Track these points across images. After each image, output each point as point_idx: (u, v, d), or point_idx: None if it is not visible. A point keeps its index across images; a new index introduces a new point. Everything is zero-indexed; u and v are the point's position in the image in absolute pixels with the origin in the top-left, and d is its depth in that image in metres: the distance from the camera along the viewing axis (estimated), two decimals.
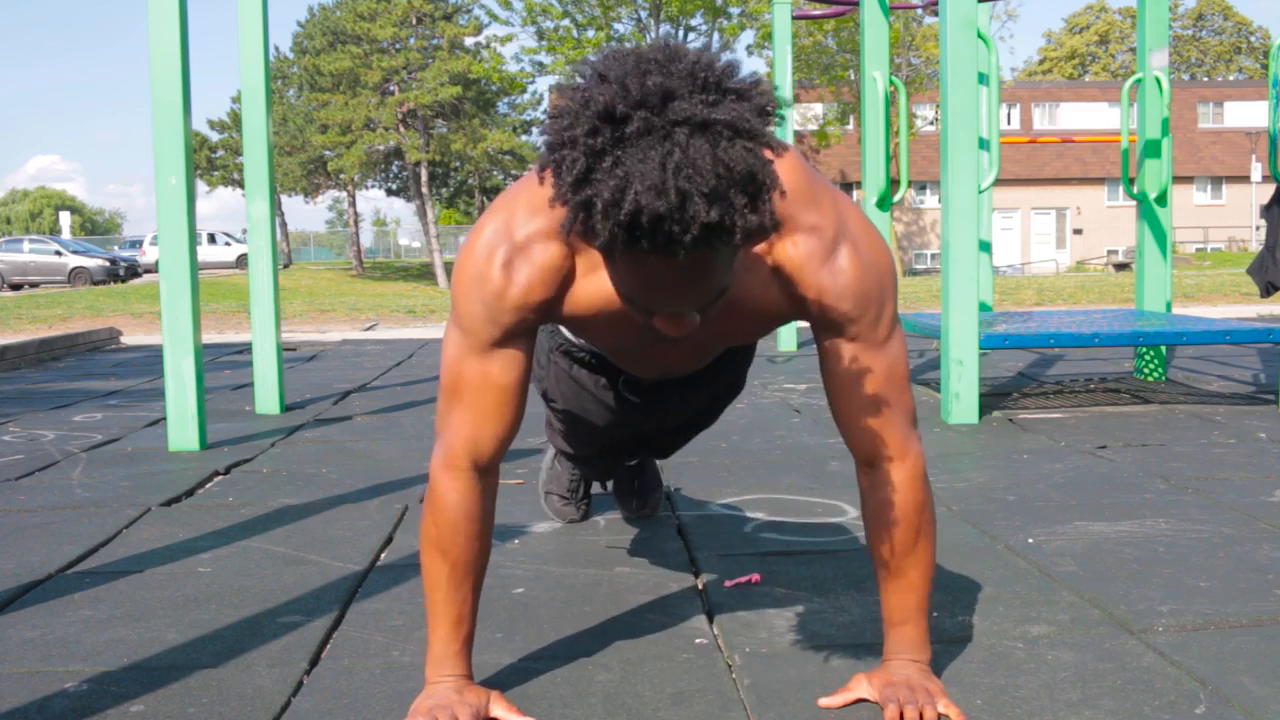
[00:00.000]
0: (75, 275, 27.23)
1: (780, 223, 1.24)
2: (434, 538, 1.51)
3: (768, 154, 1.13)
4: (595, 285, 1.40)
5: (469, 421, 1.46)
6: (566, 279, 1.40)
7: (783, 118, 1.15)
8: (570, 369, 2.02)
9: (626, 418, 2.06)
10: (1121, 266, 29.83)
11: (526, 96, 38.57)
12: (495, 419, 1.46)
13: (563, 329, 1.94)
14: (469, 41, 35.89)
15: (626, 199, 1.07)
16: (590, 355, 1.98)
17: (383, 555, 2.42)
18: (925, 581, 1.56)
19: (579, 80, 1.14)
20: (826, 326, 1.43)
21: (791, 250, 1.37)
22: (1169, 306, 5.09)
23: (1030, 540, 2.42)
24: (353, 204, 42.04)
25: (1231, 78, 48.52)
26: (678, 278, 1.16)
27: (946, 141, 4.01)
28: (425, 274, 37.61)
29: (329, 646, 1.86)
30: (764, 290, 1.41)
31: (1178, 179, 31.97)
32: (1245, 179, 36.42)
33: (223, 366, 6.69)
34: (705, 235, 1.09)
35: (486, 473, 1.51)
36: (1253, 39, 53.50)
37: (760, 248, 1.37)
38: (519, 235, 1.38)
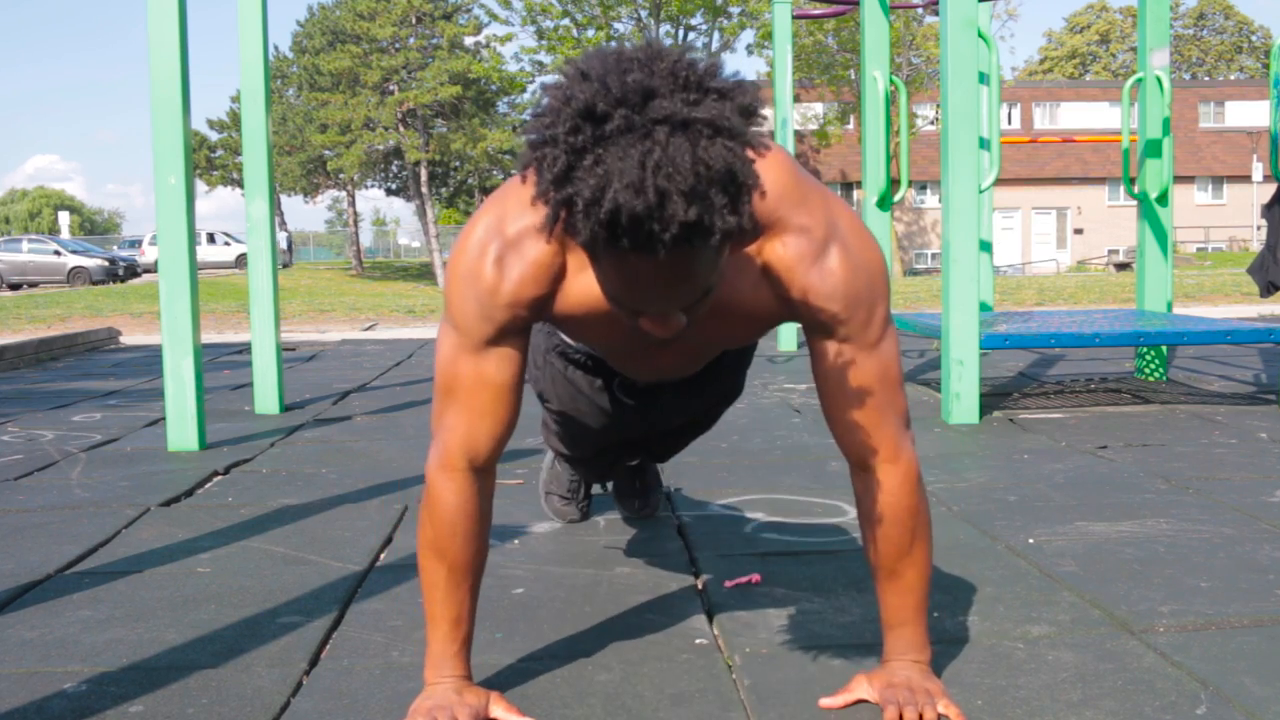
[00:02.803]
0: (74, 275, 27.22)
1: (761, 224, 1.23)
2: (431, 539, 1.50)
3: (750, 153, 1.12)
4: (586, 283, 1.39)
5: (464, 420, 1.45)
6: (558, 275, 1.39)
7: (764, 118, 1.15)
8: (566, 370, 2.01)
9: (622, 420, 2.05)
10: (1122, 266, 29.82)
11: (526, 96, 38.58)
12: (491, 418, 1.46)
13: (559, 331, 1.94)
14: (469, 41, 35.89)
15: (606, 197, 1.07)
16: (586, 357, 1.98)
17: (382, 555, 2.41)
18: (922, 583, 1.55)
19: (562, 79, 1.13)
20: (816, 327, 1.42)
21: (780, 250, 1.36)
22: (1170, 306, 5.09)
23: (1031, 540, 2.42)
24: (352, 204, 42.03)
25: (1233, 77, 48.52)
26: (659, 277, 1.16)
27: (947, 141, 4.01)
28: (425, 274, 37.61)
29: (329, 647, 1.85)
30: (754, 291, 1.40)
31: (1178, 179, 31.97)
32: (1246, 179, 36.42)
33: (222, 366, 6.69)
34: (684, 234, 1.09)
35: (483, 472, 1.50)
36: (1254, 38, 53.50)
37: (750, 248, 1.36)
38: (510, 231, 1.37)
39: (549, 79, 1.14)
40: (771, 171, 1.26)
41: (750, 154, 1.12)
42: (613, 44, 1.16)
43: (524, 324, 1.43)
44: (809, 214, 1.35)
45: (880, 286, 1.41)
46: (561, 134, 1.09)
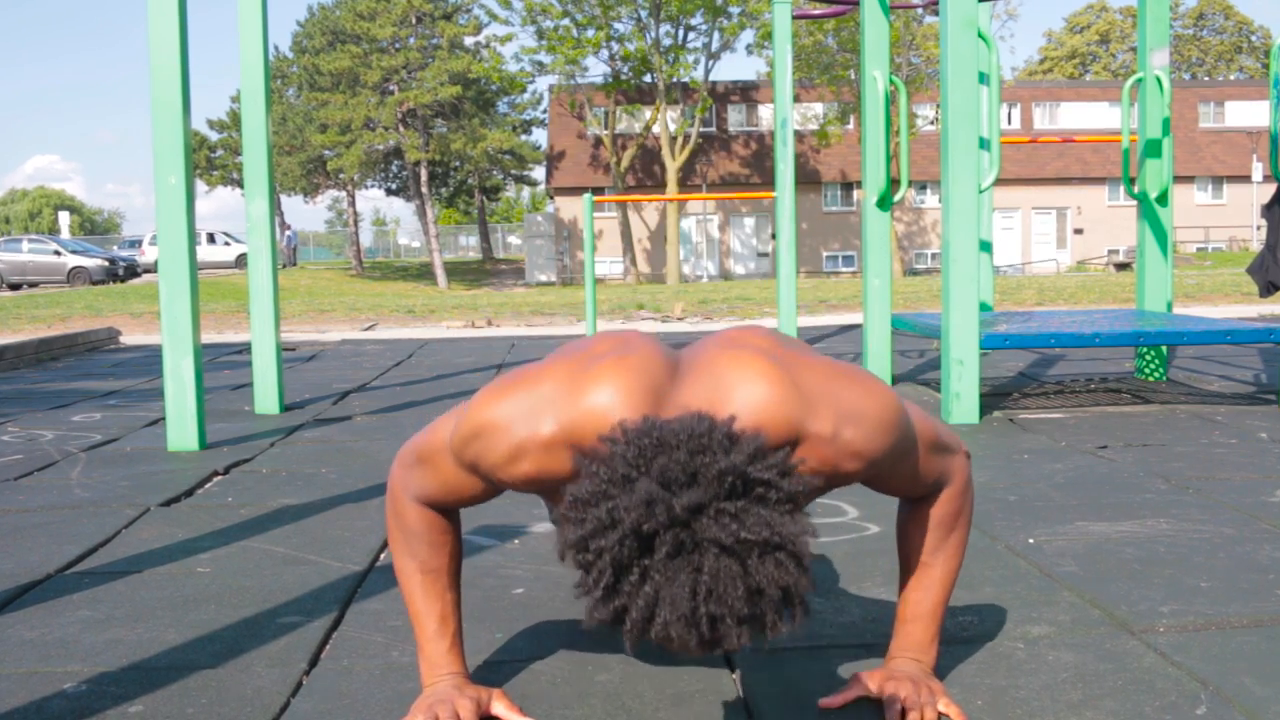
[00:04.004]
0: (74, 275, 27.23)
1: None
2: (401, 541, 1.52)
3: (802, 548, 1.10)
4: None
5: (430, 488, 1.47)
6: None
7: (810, 516, 1.14)
8: None
9: None
10: (1122, 266, 29.83)
11: (526, 96, 38.61)
12: (454, 500, 1.47)
13: None
14: (469, 41, 35.90)
15: (656, 620, 1.08)
16: None
17: (382, 555, 2.41)
18: (947, 581, 1.56)
19: (605, 475, 1.11)
20: (861, 482, 1.45)
21: (809, 463, 1.35)
22: (1170, 306, 5.09)
23: (1031, 540, 2.42)
24: (352, 204, 42.04)
25: (1232, 77, 48.51)
26: (703, 654, 1.18)
27: (947, 141, 4.01)
28: (425, 274, 37.61)
29: (328, 647, 1.85)
30: None
31: (1178, 179, 31.98)
32: (1246, 179, 36.41)
33: (222, 366, 6.69)
34: (736, 648, 1.11)
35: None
36: (1253, 38, 53.49)
37: None
38: (545, 432, 1.30)
39: (590, 460, 1.14)
40: (776, 407, 1.28)
41: (802, 558, 1.10)
42: (654, 430, 1.13)
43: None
44: (817, 417, 1.33)
45: (897, 428, 1.39)
46: (607, 549, 1.08)
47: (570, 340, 1.75)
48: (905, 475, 1.46)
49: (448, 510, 1.51)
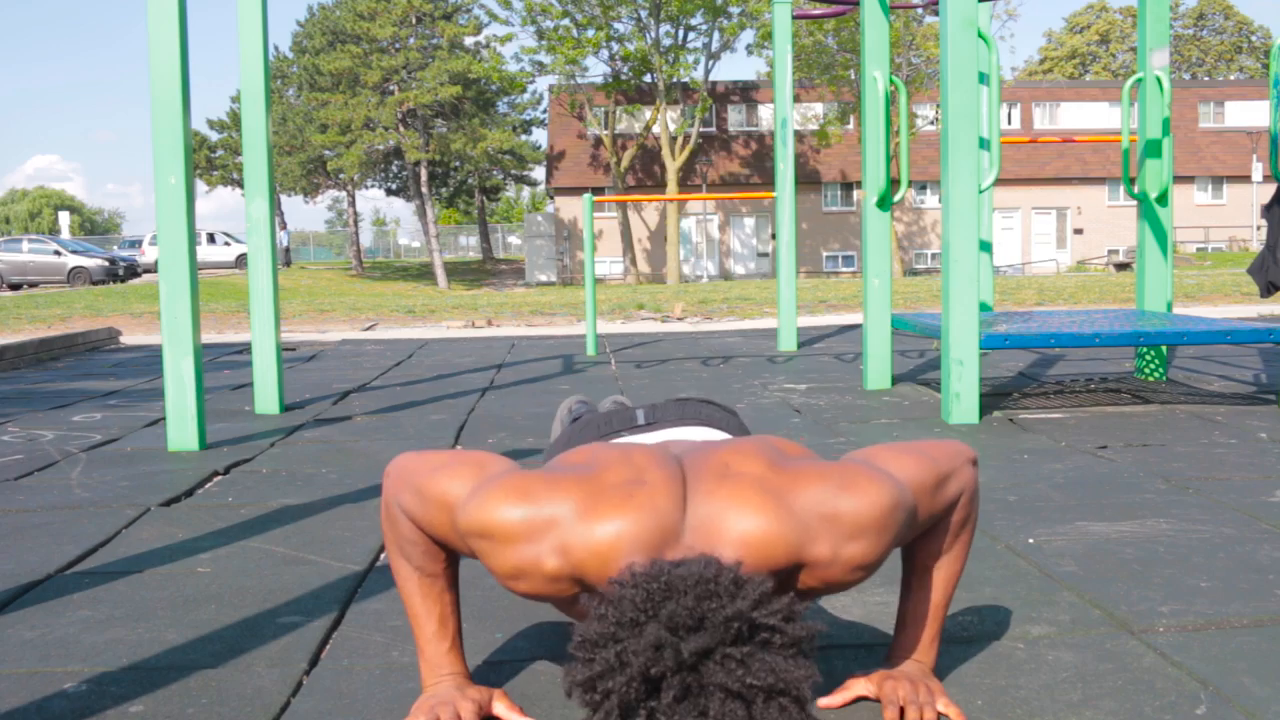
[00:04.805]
0: (74, 275, 27.24)
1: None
2: (397, 545, 1.52)
3: (806, 692, 1.13)
4: None
5: (420, 519, 1.47)
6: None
7: (819, 632, 1.16)
8: None
9: None
10: (1122, 266, 29.83)
11: (526, 96, 38.62)
12: (438, 541, 1.48)
13: None
14: (469, 41, 35.91)
15: None
16: None
17: (383, 555, 2.41)
18: (949, 585, 1.56)
19: (611, 613, 1.14)
20: None
21: (813, 584, 1.38)
22: (1169, 306, 5.09)
23: (1031, 540, 2.42)
24: (352, 204, 42.06)
25: (1232, 77, 48.52)
26: None
27: (947, 141, 4.01)
28: (425, 274, 37.62)
29: (329, 647, 1.85)
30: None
31: (1178, 179, 31.99)
32: (1246, 179, 36.43)
33: (222, 366, 6.69)
34: None
35: None
36: (1254, 38, 53.50)
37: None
38: (550, 564, 1.31)
39: (599, 602, 1.16)
40: (775, 539, 1.30)
41: (804, 703, 1.13)
42: (663, 574, 1.16)
43: None
44: (816, 543, 1.34)
45: (897, 516, 1.39)
46: (615, 690, 1.11)
47: (579, 437, 1.74)
48: (917, 531, 1.48)
49: None
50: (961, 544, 1.56)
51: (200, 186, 41.73)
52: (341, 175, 36.71)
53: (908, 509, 1.41)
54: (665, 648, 1.10)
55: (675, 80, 34.03)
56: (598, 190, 34.20)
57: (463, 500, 1.38)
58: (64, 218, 41.50)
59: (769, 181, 34.69)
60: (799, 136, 34.94)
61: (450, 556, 1.53)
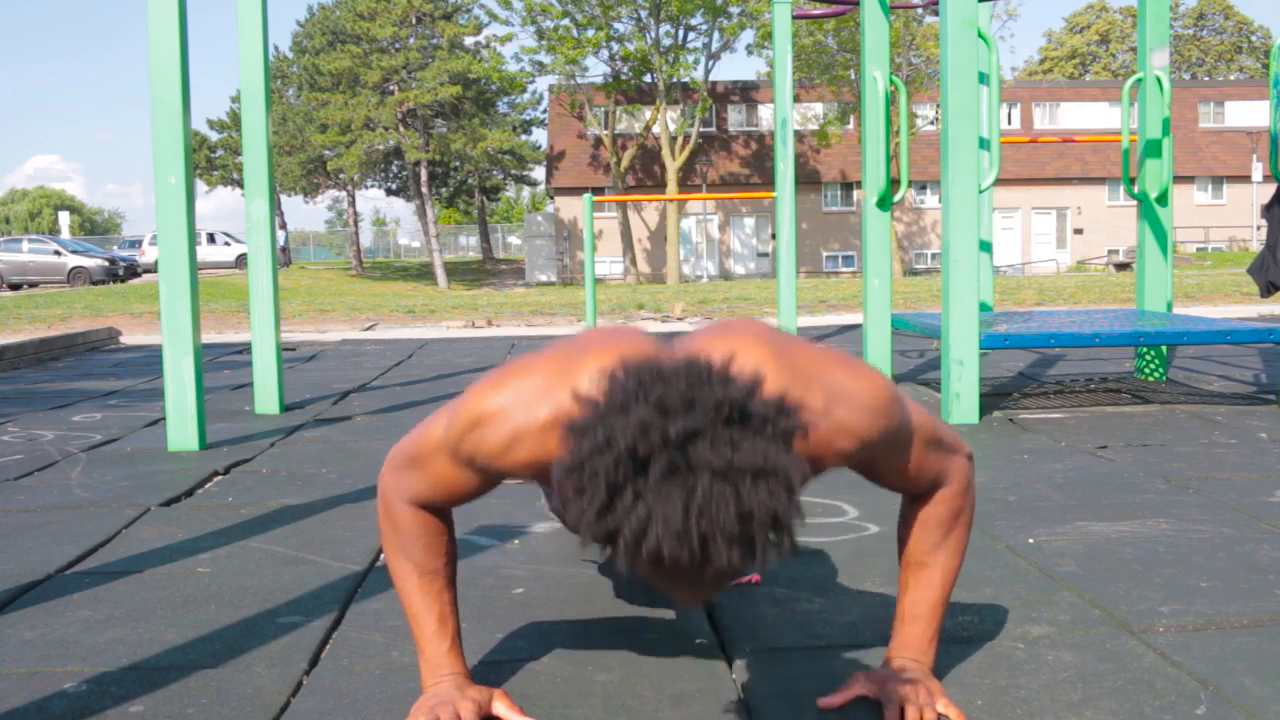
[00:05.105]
0: (74, 275, 27.22)
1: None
2: (395, 543, 1.52)
3: (793, 488, 1.11)
4: None
5: (423, 488, 1.47)
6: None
7: (805, 430, 1.14)
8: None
9: None
10: (1122, 266, 29.82)
11: (526, 96, 38.61)
12: (447, 499, 1.48)
13: None
14: (469, 41, 35.90)
15: (648, 539, 1.08)
16: None
17: (382, 555, 2.41)
18: (947, 581, 1.56)
19: (600, 406, 1.12)
20: (854, 468, 1.46)
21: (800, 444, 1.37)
22: (1169, 306, 5.09)
23: (1031, 540, 2.42)
24: (352, 204, 42.05)
25: (1232, 77, 48.50)
26: (697, 592, 1.18)
27: (947, 141, 4.01)
28: (425, 274, 37.61)
29: (328, 647, 1.86)
30: None
31: (1178, 179, 31.96)
32: (1246, 179, 36.41)
33: (222, 366, 6.69)
34: (728, 574, 1.12)
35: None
36: (1254, 38, 53.48)
37: None
38: (542, 416, 1.33)
39: (585, 397, 1.15)
40: (770, 381, 1.27)
41: (793, 489, 1.11)
42: (652, 366, 1.15)
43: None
44: (811, 394, 1.35)
45: (891, 413, 1.40)
46: (602, 471, 1.09)
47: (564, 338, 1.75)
48: (900, 466, 1.47)
49: (441, 511, 1.51)
50: (957, 539, 1.56)
51: (200, 186, 41.73)
52: (341, 175, 36.70)
53: (903, 414, 1.42)
54: (652, 427, 1.08)
55: (675, 80, 34.02)
56: (598, 190, 34.18)
57: (446, 424, 1.41)
58: (64, 218, 41.46)
59: (769, 181, 34.68)
60: (799, 136, 34.93)
61: (450, 554, 1.53)
